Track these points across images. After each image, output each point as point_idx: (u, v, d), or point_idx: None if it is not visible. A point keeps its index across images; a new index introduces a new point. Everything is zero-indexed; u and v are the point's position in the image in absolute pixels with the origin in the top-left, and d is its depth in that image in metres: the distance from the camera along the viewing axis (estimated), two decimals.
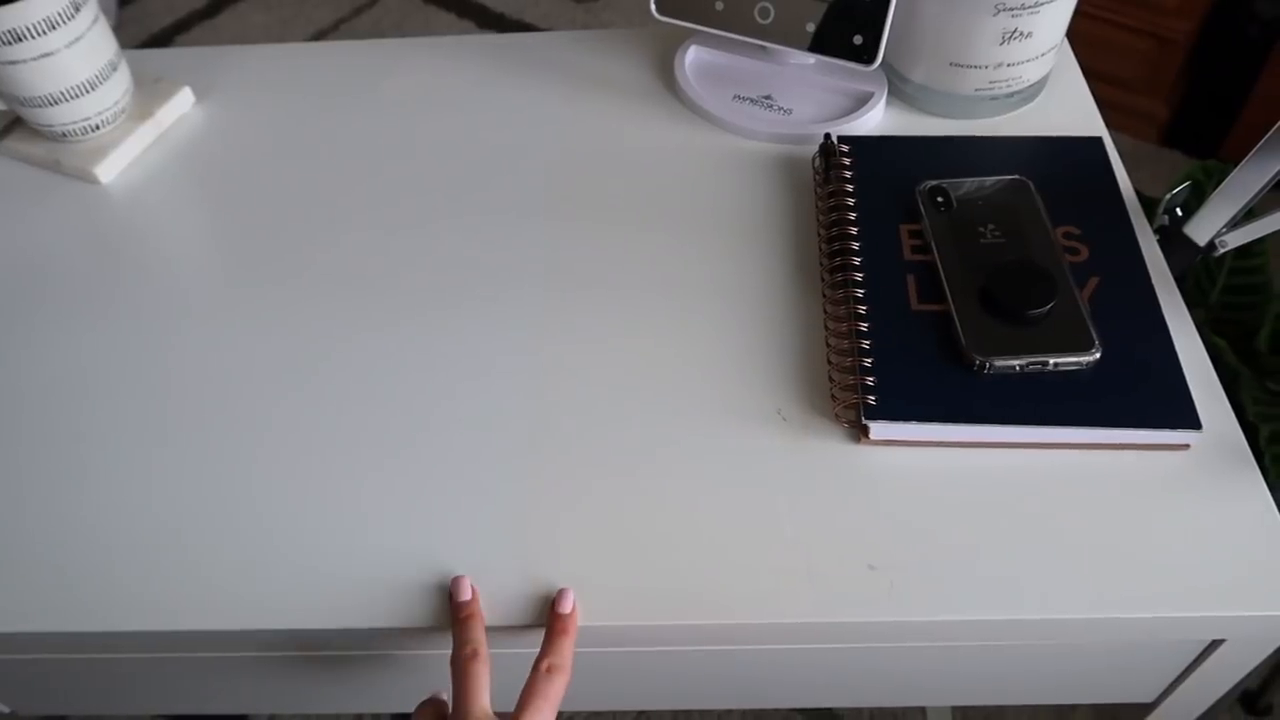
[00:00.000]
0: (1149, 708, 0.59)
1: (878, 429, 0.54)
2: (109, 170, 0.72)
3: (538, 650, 0.47)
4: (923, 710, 1.17)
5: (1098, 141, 0.68)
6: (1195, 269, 1.03)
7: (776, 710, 1.18)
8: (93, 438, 0.56)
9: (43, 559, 0.52)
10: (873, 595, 0.49)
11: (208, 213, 0.70)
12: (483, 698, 0.45)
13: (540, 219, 0.67)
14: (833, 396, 0.56)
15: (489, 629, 0.49)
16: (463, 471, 0.54)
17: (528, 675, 0.46)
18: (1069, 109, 0.73)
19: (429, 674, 0.55)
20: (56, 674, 0.56)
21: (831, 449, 0.55)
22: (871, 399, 0.54)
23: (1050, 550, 0.50)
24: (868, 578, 0.50)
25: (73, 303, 0.64)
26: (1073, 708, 1.16)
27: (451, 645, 0.47)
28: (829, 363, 0.57)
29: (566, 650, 0.47)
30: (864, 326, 0.57)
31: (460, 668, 0.46)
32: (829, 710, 1.19)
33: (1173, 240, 0.65)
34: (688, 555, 0.51)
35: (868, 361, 0.55)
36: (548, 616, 0.49)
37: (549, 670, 0.46)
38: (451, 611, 0.49)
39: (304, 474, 0.54)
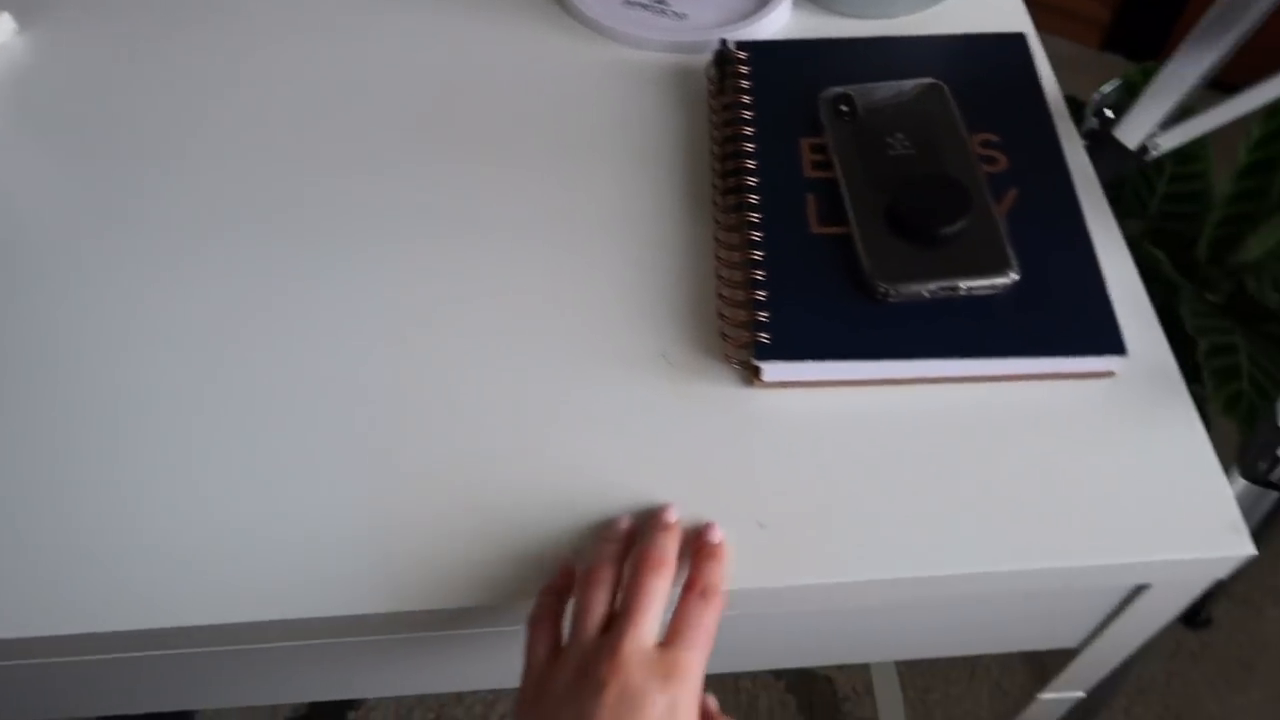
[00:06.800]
0: (1074, 653, 0.55)
1: (771, 370, 0.48)
2: None
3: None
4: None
5: (1019, 39, 0.61)
6: (1134, 178, 0.98)
7: None
8: None
9: None
10: (763, 557, 0.44)
11: (33, 156, 0.61)
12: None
13: (401, 147, 0.60)
14: (723, 335, 0.50)
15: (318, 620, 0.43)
16: (305, 441, 0.48)
17: (677, 600, 0.41)
18: (994, 4, 0.66)
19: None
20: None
21: (720, 394, 0.49)
22: (764, 336, 0.48)
23: (962, 497, 0.45)
24: (757, 538, 0.44)
25: None
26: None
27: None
28: (719, 297, 0.51)
29: (720, 574, 0.42)
30: (758, 255, 0.51)
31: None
32: None
33: (1102, 145, 0.59)
34: (561, 523, 0.45)
35: (761, 294, 0.49)
36: (694, 543, 0.43)
37: (704, 593, 0.40)
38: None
39: (125, 451, 0.48)
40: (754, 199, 0.53)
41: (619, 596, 0.41)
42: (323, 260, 0.54)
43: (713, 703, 0.43)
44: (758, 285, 0.50)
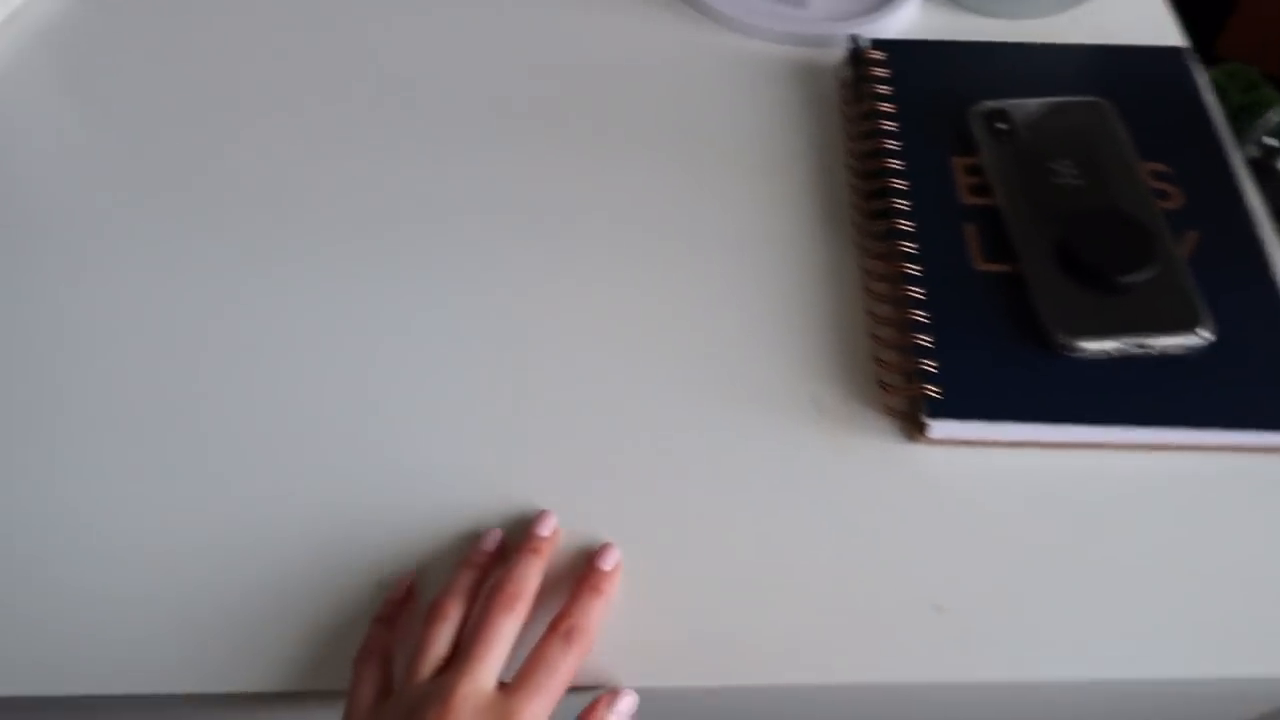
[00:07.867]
0: None
1: (940, 427, 0.43)
2: None
3: None
4: None
5: (1179, 53, 0.56)
6: None
7: None
8: None
9: None
10: (941, 646, 0.39)
11: (74, 114, 0.54)
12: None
13: (503, 139, 0.53)
14: (881, 384, 0.45)
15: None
16: (403, 467, 0.42)
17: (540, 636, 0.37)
18: (1137, 9, 0.61)
19: None
20: None
21: (880, 449, 0.44)
22: (934, 391, 0.43)
23: (1157, 585, 0.40)
24: (934, 624, 0.39)
25: None
26: None
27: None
28: (873, 338, 0.46)
29: (595, 613, 0.37)
30: (918, 293, 0.46)
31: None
32: None
33: (1268, 176, 0.54)
34: (693, 591, 0.40)
35: (926, 340, 0.44)
36: (583, 568, 0.39)
37: (567, 634, 0.36)
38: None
39: (197, 456, 0.42)
40: (907, 226, 0.48)
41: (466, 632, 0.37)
42: (397, 257, 0.48)
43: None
44: (920, 329, 0.44)
